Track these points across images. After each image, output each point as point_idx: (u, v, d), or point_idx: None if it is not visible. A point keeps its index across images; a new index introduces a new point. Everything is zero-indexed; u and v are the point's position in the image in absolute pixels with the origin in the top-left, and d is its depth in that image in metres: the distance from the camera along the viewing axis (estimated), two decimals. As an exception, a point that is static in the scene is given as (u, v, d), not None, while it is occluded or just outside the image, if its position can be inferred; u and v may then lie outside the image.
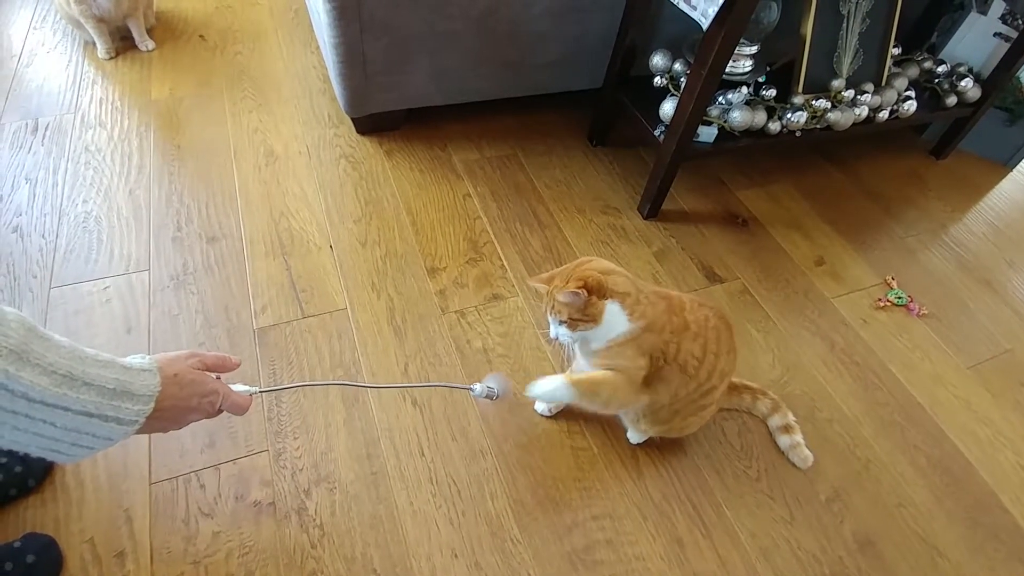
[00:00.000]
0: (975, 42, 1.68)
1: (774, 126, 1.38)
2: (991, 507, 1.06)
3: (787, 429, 1.08)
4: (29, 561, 0.80)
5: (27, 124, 1.47)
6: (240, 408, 0.70)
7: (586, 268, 0.83)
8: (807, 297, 1.36)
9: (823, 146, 1.76)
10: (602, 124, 1.60)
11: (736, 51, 1.32)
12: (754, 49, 1.38)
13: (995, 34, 1.64)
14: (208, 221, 1.30)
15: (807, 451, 1.07)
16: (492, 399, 0.90)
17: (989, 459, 1.13)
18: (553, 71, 1.52)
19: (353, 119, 1.54)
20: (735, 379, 1.09)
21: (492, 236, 1.37)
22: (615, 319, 0.81)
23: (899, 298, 1.37)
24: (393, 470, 0.99)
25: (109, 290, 1.16)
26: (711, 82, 1.18)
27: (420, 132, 1.58)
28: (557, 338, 0.85)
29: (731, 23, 1.08)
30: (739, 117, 1.33)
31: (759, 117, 1.36)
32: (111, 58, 1.68)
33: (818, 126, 1.42)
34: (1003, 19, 1.62)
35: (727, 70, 1.31)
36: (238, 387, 0.72)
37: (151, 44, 1.72)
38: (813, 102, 1.39)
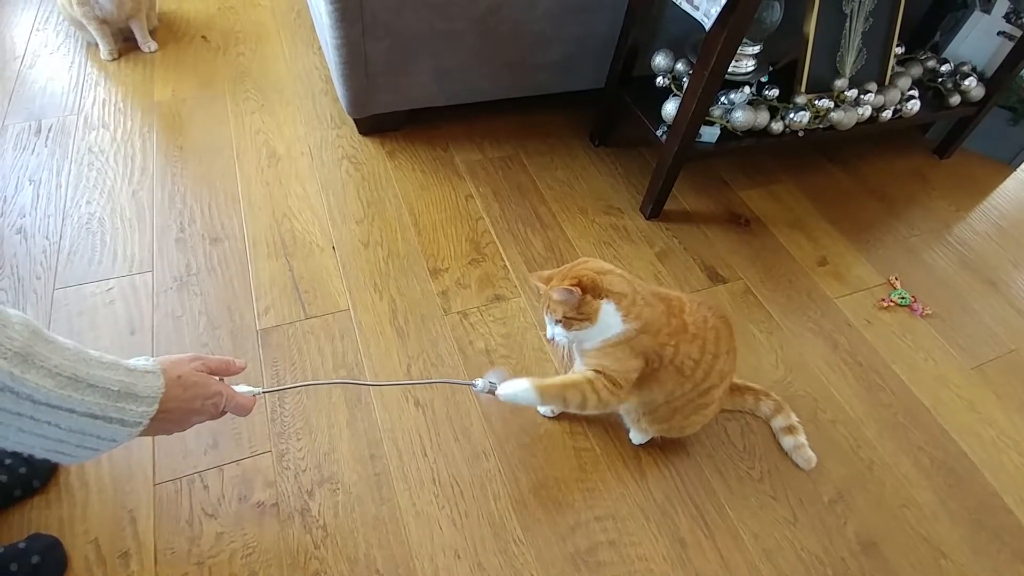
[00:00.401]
0: (979, 41, 1.67)
1: (777, 126, 1.37)
2: (995, 508, 1.06)
3: (790, 430, 1.08)
4: (34, 562, 0.81)
5: (30, 125, 1.47)
6: (244, 409, 0.70)
7: (582, 267, 0.83)
8: (810, 297, 1.36)
9: (826, 146, 1.76)
10: (604, 124, 1.60)
11: (739, 51, 1.32)
12: (757, 49, 1.38)
13: (999, 33, 1.63)
14: (211, 222, 1.31)
15: (810, 452, 1.06)
16: (494, 394, 0.89)
17: (993, 460, 1.12)
18: (555, 71, 1.52)
19: (355, 120, 1.54)
20: (738, 380, 1.09)
21: (494, 237, 1.37)
22: (610, 319, 0.81)
23: (903, 298, 1.37)
24: (396, 471, 0.99)
25: (113, 291, 1.16)
26: (713, 82, 1.18)
27: (422, 133, 1.58)
28: (554, 338, 0.85)
29: (734, 23, 1.08)
30: (742, 117, 1.33)
31: (762, 117, 1.35)
32: (114, 59, 1.68)
33: (821, 126, 1.42)
34: (1007, 18, 1.61)
35: (729, 70, 1.30)
36: (242, 388, 0.72)
37: (153, 45, 1.73)
38: (816, 102, 1.39)
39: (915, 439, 1.14)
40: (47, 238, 1.24)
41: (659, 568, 0.93)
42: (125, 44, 1.73)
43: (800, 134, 1.41)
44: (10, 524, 0.87)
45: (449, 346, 1.16)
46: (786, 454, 1.08)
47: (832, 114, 1.40)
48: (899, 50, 1.55)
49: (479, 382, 0.88)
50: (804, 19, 1.38)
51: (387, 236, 1.33)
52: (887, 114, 1.48)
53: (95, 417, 0.53)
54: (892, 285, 1.40)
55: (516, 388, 0.85)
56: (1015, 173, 1.81)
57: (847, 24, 1.41)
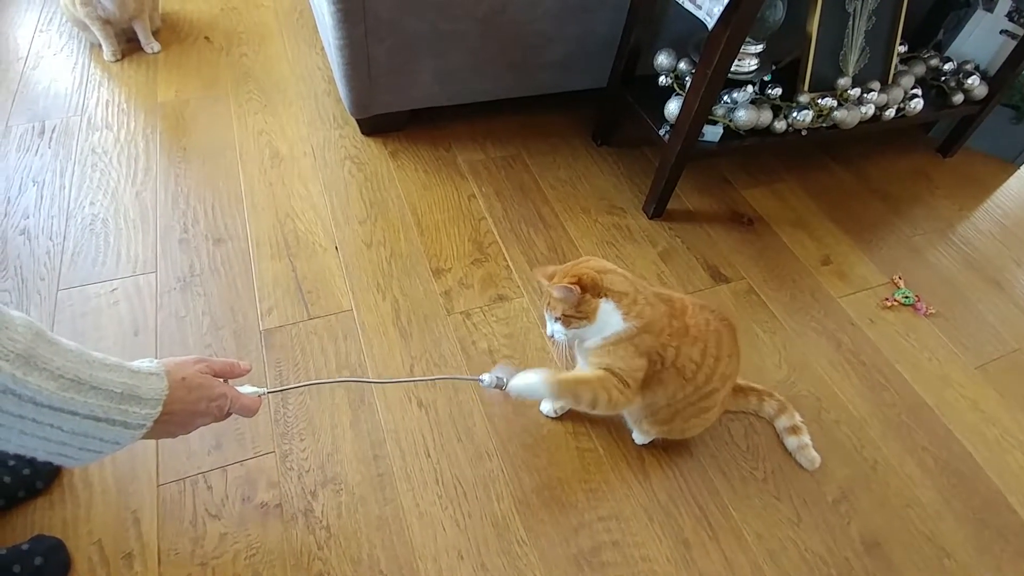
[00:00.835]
0: (981, 40, 1.67)
1: (780, 125, 1.37)
2: (999, 508, 1.06)
3: (794, 430, 1.07)
4: (37, 563, 0.81)
5: (34, 127, 1.48)
6: (249, 411, 0.69)
7: (583, 266, 0.83)
8: (813, 297, 1.36)
9: (829, 145, 1.75)
10: (607, 124, 1.59)
11: (741, 50, 1.32)
12: (759, 48, 1.38)
13: (1001, 31, 1.63)
14: (214, 223, 1.31)
15: (814, 452, 1.06)
16: (501, 389, 0.88)
17: (997, 460, 1.12)
18: (557, 71, 1.52)
19: (358, 120, 1.54)
20: (741, 381, 1.09)
21: (497, 237, 1.37)
22: (609, 318, 0.81)
23: (906, 297, 1.37)
24: (399, 471, 0.99)
25: (116, 292, 1.17)
26: (716, 81, 1.18)
27: (425, 133, 1.58)
28: (553, 336, 0.85)
29: (736, 22, 1.07)
30: (744, 116, 1.32)
31: (765, 116, 1.35)
32: (117, 60, 1.69)
33: (824, 125, 1.41)
34: (1009, 16, 1.60)
35: (732, 69, 1.30)
36: (246, 389, 0.72)
37: (157, 46, 1.73)
38: (819, 100, 1.39)
39: (919, 439, 1.14)
40: (51, 239, 1.24)
41: (663, 569, 0.93)
42: (128, 45, 1.73)
43: (803, 133, 1.40)
44: (13, 525, 0.88)
45: (452, 346, 1.16)
46: (790, 454, 1.08)
47: (835, 113, 1.39)
48: (902, 49, 1.55)
49: (485, 377, 0.87)
50: (807, 18, 1.38)
51: (390, 236, 1.33)
52: (890, 113, 1.48)
53: (98, 419, 0.52)
54: (896, 284, 1.40)
55: (529, 380, 0.85)
56: (1018, 171, 1.80)
57: (850, 23, 1.41)
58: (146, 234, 1.27)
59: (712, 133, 1.34)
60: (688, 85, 1.26)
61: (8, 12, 1.83)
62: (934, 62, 1.63)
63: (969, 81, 1.58)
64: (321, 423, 1.03)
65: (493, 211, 1.42)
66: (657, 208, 1.44)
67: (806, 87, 1.41)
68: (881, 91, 1.46)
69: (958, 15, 1.71)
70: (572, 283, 0.79)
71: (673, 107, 1.33)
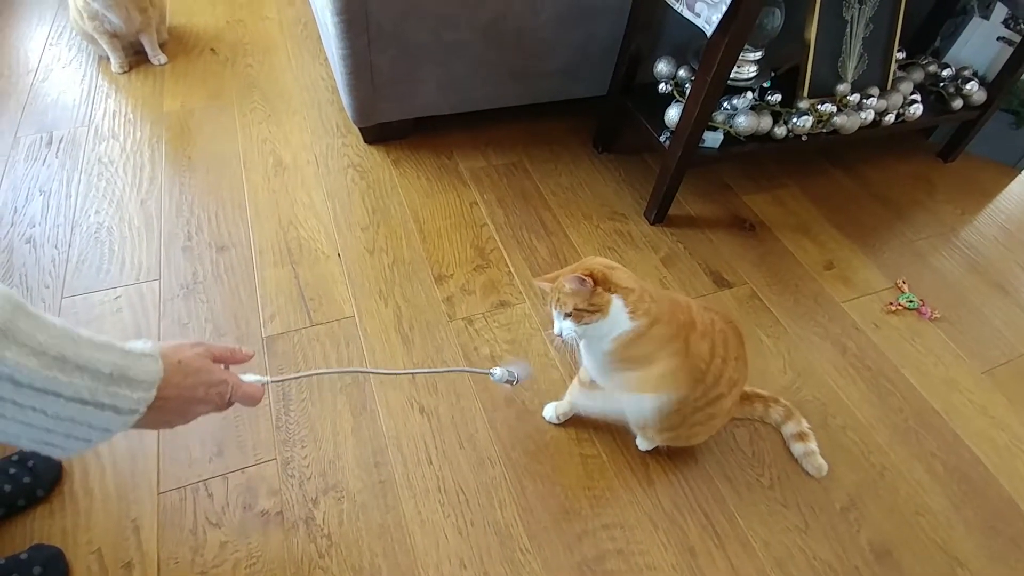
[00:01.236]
0: (979, 46, 1.68)
1: (780, 131, 1.38)
2: (1010, 515, 1.04)
3: (801, 437, 1.06)
4: (36, 573, 0.80)
5: (42, 137, 1.49)
6: (252, 399, 0.63)
7: (590, 262, 0.82)
8: (817, 302, 1.35)
9: (830, 150, 1.75)
10: (607, 131, 1.60)
11: (740, 57, 1.33)
12: (758, 55, 1.39)
13: (998, 38, 1.64)
14: (218, 231, 1.31)
15: (821, 460, 1.05)
16: (512, 384, 0.86)
17: (1007, 465, 1.11)
18: (558, 79, 1.53)
19: (361, 129, 1.55)
20: (746, 388, 1.08)
21: (499, 243, 1.37)
22: (618, 315, 0.79)
23: (911, 302, 1.36)
24: (401, 479, 0.98)
25: (120, 299, 1.17)
26: (716, 88, 1.18)
27: (427, 141, 1.59)
28: (561, 334, 0.82)
29: (735, 30, 1.08)
30: (744, 122, 1.33)
31: (765, 122, 1.35)
32: (124, 72, 1.71)
33: (824, 130, 1.42)
34: (1006, 23, 1.61)
35: (731, 76, 1.31)
36: (248, 377, 0.66)
37: (163, 58, 1.75)
38: (819, 106, 1.39)
39: (927, 445, 1.12)
40: (56, 247, 1.25)
41: (668, 576, 0.92)
42: (135, 57, 1.76)
43: (803, 138, 1.41)
44: (12, 534, 0.87)
45: (454, 352, 1.16)
46: (797, 461, 1.07)
47: (835, 118, 1.40)
48: (900, 55, 1.56)
49: (497, 371, 0.85)
50: (805, 25, 1.39)
51: (392, 243, 1.34)
52: (890, 118, 1.48)
53: (84, 403, 0.47)
54: (900, 289, 1.39)
55: (631, 406, 0.84)
56: (1020, 176, 1.80)
57: (848, 30, 1.42)
58: (150, 242, 1.28)
59: (712, 139, 1.34)
60: (688, 92, 1.26)
61: (20, 27, 1.86)
62: (932, 68, 1.64)
63: (968, 87, 1.59)
64: (323, 430, 1.03)
65: (495, 218, 1.43)
66: (659, 214, 1.45)
67: (805, 93, 1.42)
68: (880, 97, 1.46)
69: (955, 22, 1.72)
70: (585, 275, 0.78)
71: (673, 114, 1.33)
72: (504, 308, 1.24)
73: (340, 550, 0.90)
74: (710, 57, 1.15)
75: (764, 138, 1.39)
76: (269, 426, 1.02)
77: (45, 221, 1.30)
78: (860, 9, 1.41)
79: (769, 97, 1.37)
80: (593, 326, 0.79)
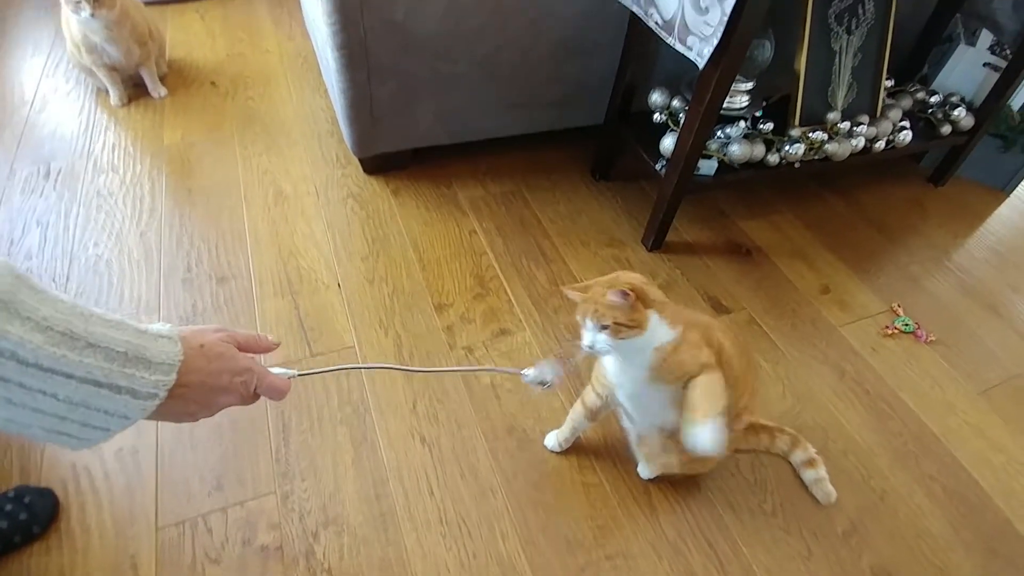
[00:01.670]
0: (966, 72, 1.72)
1: (773, 158, 1.40)
2: (1008, 536, 1.04)
3: (811, 463, 1.07)
4: (34, 612, 0.79)
5: (39, 169, 1.50)
6: (279, 392, 0.58)
7: (628, 277, 0.82)
8: (814, 326, 1.36)
9: (823, 176, 1.78)
10: (605, 159, 1.63)
11: (732, 87, 1.35)
12: (750, 85, 1.42)
13: (984, 64, 1.68)
14: (218, 262, 1.32)
15: (830, 486, 1.05)
16: (544, 387, 0.80)
17: (1004, 487, 1.11)
18: (555, 109, 1.56)
19: (360, 159, 1.57)
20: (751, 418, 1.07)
21: (498, 271, 1.38)
22: (657, 328, 0.79)
23: (906, 325, 1.37)
24: (402, 511, 0.98)
25: (119, 332, 1.16)
26: (709, 118, 1.21)
27: (426, 170, 1.61)
28: (592, 346, 0.80)
29: (726, 62, 1.11)
30: (738, 150, 1.35)
31: (758, 150, 1.38)
32: (123, 105, 1.73)
33: (816, 157, 1.44)
34: (991, 50, 1.66)
35: (724, 105, 1.33)
36: (275, 370, 0.61)
37: (163, 91, 1.77)
38: (810, 134, 1.42)
39: (926, 468, 1.12)
40: (53, 280, 1.25)
41: (673, 607, 0.91)
42: (135, 90, 1.78)
43: (796, 165, 1.43)
44: (9, 572, 0.86)
45: (455, 380, 1.16)
46: (802, 487, 1.06)
47: (827, 146, 1.42)
48: (889, 83, 1.60)
49: (530, 372, 0.80)
50: (795, 56, 1.42)
51: (392, 272, 1.35)
52: (880, 145, 1.51)
53: (99, 384, 0.43)
54: (895, 312, 1.41)
55: (709, 435, 0.76)
56: (1009, 199, 1.83)
57: (836, 60, 1.46)
58: (149, 274, 1.28)
59: (707, 167, 1.37)
60: (682, 122, 1.29)
61: (14, 57, 1.88)
62: (920, 95, 1.68)
63: (955, 113, 1.62)
64: (323, 461, 1.02)
65: (494, 246, 1.44)
66: (656, 240, 1.46)
67: (797, 121, 1.45)
68: (870, 124, 1.49)
69: (941, 50, 1.77)
70: (627, 290, 0.78)
71: (668, 143, 1.36)
72: (504, 336, 1.25)
73: (341, 585, 0.89)
74: (703, 88, 1.18)
75: (758, 165, 1.41)
76: (268, 458, 1.01)
77: (42, 254, 1.30)
78: (848, 40, 1.45)
79: (761, 126, 1.40)
80: (628, 341, 0.78)
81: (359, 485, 1.00)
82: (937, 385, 1.27)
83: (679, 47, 1.17)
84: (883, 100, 1.55)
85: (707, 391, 0.79)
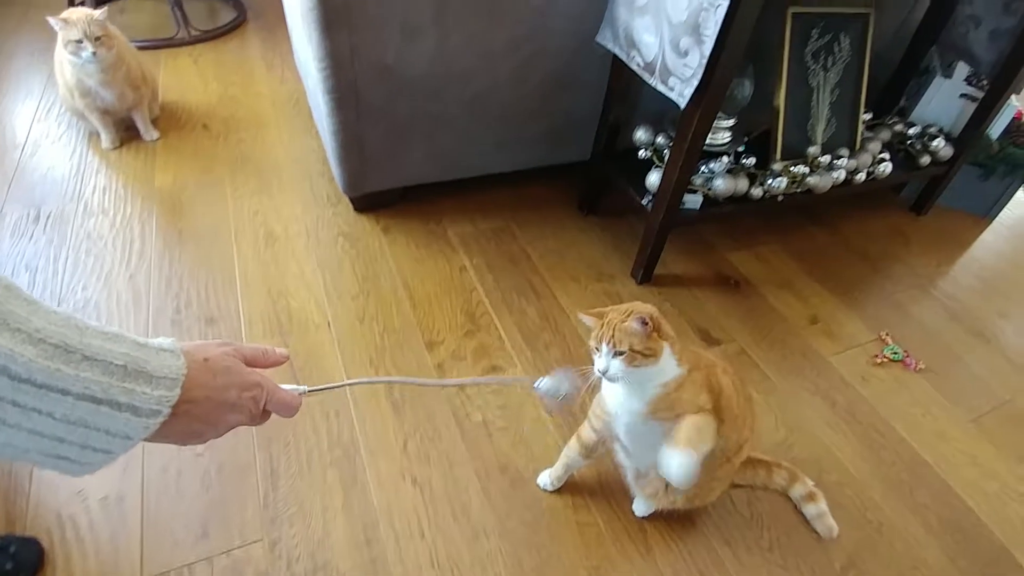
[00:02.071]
0: (943, 104, 1.77)
1: (756, 191, 1.43)
2: (1004, 563, 1.04)
3: (811, 497, 1.06)
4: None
5: (29, 213, 1.51)
6: (290, 408, 0.56)
7: (643, 308, 0.82)
8: (804, 356, 1.37)
9: (806, 208, 1.81)
10: (592, 194, 1.65)
11: (714, 124, 1.39)
12: (731, 122, 1.46)
13: (961, 95, 1.73)
14: (207, 303, 1.32)
15: (832, 521, 1.04)
16: (559, 399, 0.77)
17: (998, 514, 1.10)
18: (543, 146, 1.59)
19: (351, 198, 1.58)
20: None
21: (489, 307, 1.39)
22: (667, 362, 0.79)
23: (895, 353, 1.38)
24: (392, 555, 0.96)
25: (106, 377, 1.15)
26: (692, 154, 1.24)
27: (416, 207, 1.63)
28: (606, 371, 0.79)
29: (707, 101, 1.14)
30: (722, 185, 1.38)
31: (741, 184, 1.41)
32: (115, 148, 1.74)
33: (799, 190, 1.47)
34: (968, 81, 1.71)
35: (707, 141, 1.37)
36: (284, 387, 0.58)
37: (155, 134, 1.79)
38: (791, 168, 1.45)
39: (920, 497, 1.12)
40: (42, 325, 1.24)
41: (671, 651, 0.89)
42: (127, 133, 1.80)
43: (780, 198, 1.46)
44: (-12, 630, 0.83)
45: (446, 419, 1.15)
46: (799, 522, 1.05)
47: (808, 179, 1.45)
48: (867, 116, 1.64)
49: (544, 381, 0.77)
50: (774, 93, 1.46)
51: (382, 310, 1.35)
52: (861, 176, 1.54)
53: (97, 401, 0.40)
54: (884, 341, 1.42)
55: (684, 465, 0.76)
56: (991, 225, 1.87)
57: (815, 96, 1.50)
58: (138, 316, 1.28)
59: (692, 201, 1.39)
60: (667, 158, 1.31)
61: (6, 101, 1.90)
62: (899, 127, 1.73)
63: (934, 144, 1.67)
64: (312, 506, 1.00)
65: (484, 282, 1.45)
66: (645, 274, 1.48)
67: (778, 156, 1.48)
68: (850, 157, 1.53)
69: (919, 82, 1.82)
70: (646, 319, 0.78)
71: (654, 179, 1.38)
72: (495, 373, 1.25)
73: (331, 636, 0.87)
74: (685, 126, 1.21)
75: (742, 199, 1.44)
76: (257, 504, 1.00)
77: (33, 298, 1.30)
78: (825, 76, 1.50)
79: (744, 160, 1.43)
80: (642, 370, 0.78)
81: (349, 530, 0.98)
82: (928, 413, 1.27)
83: (661, 88, 1.21)
84: (862, 133, 1.60)
85: (696, 427, 0.80)
